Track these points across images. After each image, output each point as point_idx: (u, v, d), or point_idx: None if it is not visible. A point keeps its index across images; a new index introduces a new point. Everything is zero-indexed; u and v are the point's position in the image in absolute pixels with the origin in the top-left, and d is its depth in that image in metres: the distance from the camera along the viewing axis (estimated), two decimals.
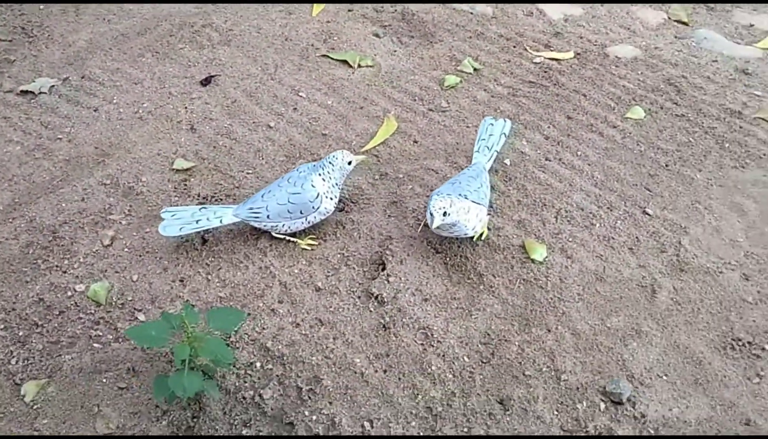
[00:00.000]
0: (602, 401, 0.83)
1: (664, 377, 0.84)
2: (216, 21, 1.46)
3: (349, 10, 1.54)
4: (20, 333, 0.91)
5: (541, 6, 1.57)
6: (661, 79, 1.33)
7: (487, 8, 1.56)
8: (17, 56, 1.35)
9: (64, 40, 1.40)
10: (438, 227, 0.88)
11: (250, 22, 1.48)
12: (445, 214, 0.87)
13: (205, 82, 1.29)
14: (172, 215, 0.97)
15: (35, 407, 0.84)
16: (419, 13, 1.52)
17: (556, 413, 0.83)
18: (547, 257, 0.99)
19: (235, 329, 0.85)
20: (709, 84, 1.32)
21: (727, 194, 1.09)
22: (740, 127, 1.22)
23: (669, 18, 1.58)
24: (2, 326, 0.92)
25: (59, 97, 1.26)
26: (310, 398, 0.84)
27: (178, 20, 1.46)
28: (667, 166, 1.14)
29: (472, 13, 1.54)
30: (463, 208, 0.89)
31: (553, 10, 1.57)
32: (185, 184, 1.10)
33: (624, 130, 1.21)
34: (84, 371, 0.87)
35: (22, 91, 1.26)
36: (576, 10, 1.58)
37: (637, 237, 1.02)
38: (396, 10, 1.54)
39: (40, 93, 1.26)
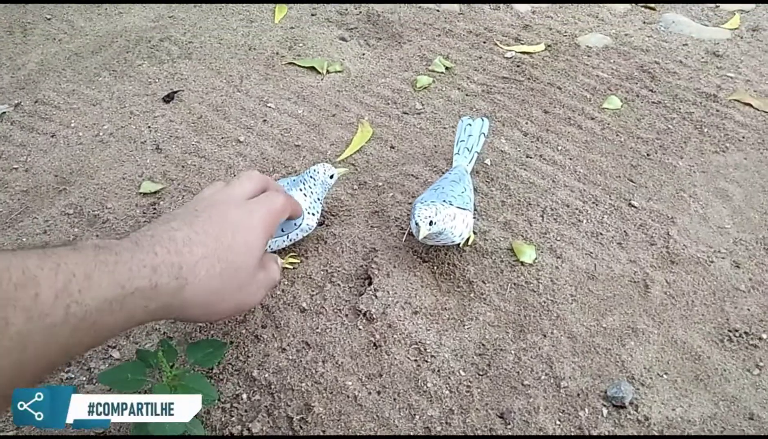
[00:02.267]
0: (604, 406, 0.81)
1: (665, 376, 0.82)
2: (174, 34, 1.40)
3: (313, 14, 1.50)
4: None
5: None
6: (635, 66, 1.32)
7: (453, 5, 1.53)
8: None
9: (13, 64, 1.32)
10: (425, 237, 0.84)
11: (210, 33, 1.42)
12: (431, 223, 0.83)
13: (168, 98, 1.23)
14: None
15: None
16: (384, 13, 1.48)
17: (558, 423, 0.80)
18: (536, 259, 0.96)
19: (218, 362, 0.80)
20: (682, 68, 1.32)
21: (710, 180, 1.08)
22: (717, 111, 1.21)
23: (635, 4, 1.57)
24: None
25: (12, 125, 1.19)
26: (302, 427, 0.79)
27: (134, 35, 1.39)
28: (648, 155, 1.13)
29: (438, 11, 1.51)
30: (449, 215, 0.86)
31: (521, 3, 1.54)
32: (154, 208, 1.04)
33: (602, 121, 1.19)
34: None
35: None
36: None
37: (625, 231, 1.00)
38: (360, 12, 1.50)
39: None
